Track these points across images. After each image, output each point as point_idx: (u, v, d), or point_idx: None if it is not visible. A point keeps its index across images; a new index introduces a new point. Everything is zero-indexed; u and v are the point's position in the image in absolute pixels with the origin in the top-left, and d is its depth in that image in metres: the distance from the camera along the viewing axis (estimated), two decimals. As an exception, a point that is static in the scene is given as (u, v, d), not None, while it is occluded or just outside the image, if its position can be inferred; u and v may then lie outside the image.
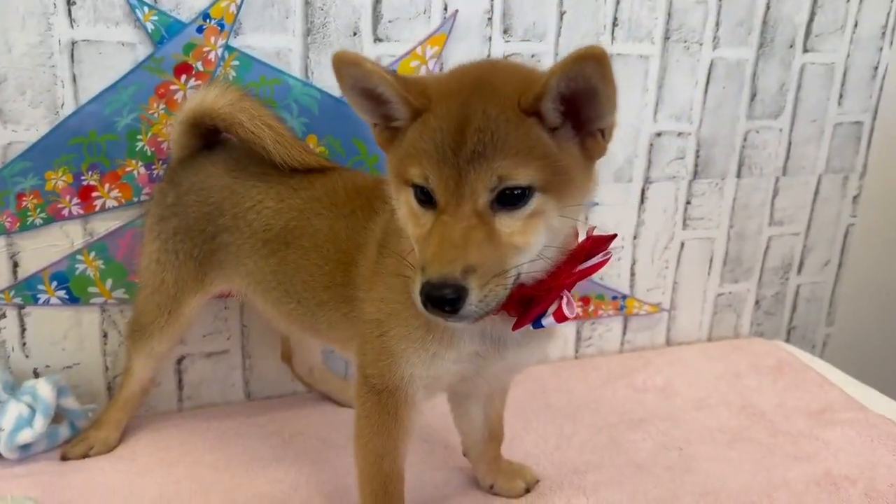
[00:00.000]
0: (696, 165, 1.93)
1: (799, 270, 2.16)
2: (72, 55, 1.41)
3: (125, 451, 1.49)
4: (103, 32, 1.42)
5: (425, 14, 1.60)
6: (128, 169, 1.49)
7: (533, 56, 1.70)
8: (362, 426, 1.18)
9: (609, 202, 1.86)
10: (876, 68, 2.04)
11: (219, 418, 1.61)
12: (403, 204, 1.00)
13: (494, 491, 1.40)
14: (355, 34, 1.56)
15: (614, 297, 1.96)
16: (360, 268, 1.21)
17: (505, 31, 1.67)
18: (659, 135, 1.87)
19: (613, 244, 1.08)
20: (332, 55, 0.99)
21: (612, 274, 1.93)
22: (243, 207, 1.35)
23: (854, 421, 1.65)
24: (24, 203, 1.46)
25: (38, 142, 1.43)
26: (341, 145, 1.59)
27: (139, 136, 1.48)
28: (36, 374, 1.55)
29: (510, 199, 0.93)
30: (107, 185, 1.49)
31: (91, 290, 1.54)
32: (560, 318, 1.02)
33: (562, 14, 1.69)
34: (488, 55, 1.66)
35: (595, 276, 1.92)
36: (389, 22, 1.58)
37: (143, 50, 1.44)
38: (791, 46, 1.92)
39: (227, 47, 1.49)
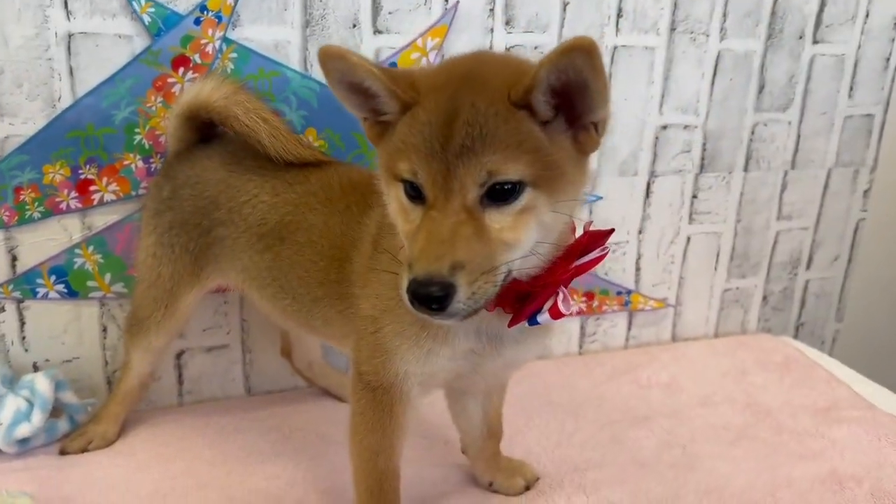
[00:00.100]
0: (702, 159, 1.90)
1: (808, 266, 2.13)
2: (68, 48, 1.41)
3: (124, 445, 1.50)
4: (100, 25, 1.41)
5: (426, 5, 1.57)
6: (125, 162, 1.49)
7: (536, 48, 1.67)
8: (357, 423, 1.17)
9: (614, 196, 1.83)
10: (888, 60, 2.00)
11: (218, 413, 1.61)
12: (393, 199, 0.99)
13: (493, 488, 1.39)
14: (355, 26, 1.55)
15: (619, 293, 1.93)
16: (354, 264, 1.20)
17: (507, 23, 1.64)
18: (665, 128, 1.84)
19: (616, 239, 1.06)
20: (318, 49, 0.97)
21: (616, 269, 1.91)
22: (239, 201, 1.34)
23: (861, 419, 1.62)
24: (22, 197, 1.45)
25: (35, 135, 1.43)
26: (341, 138, 1.57)
27: (137, 130, 1.47)
28: (35, 368, 1.55)
29: (500, 194, 0.91)
30: (105, 179, 1.48)
31: (90, 284, 1.53)
32: (556, 314, 1.00)
33: (565, 4, 1.67)
34: (490, 47, 1.64)
35: (599, 272, 1.94)
36: (389, 13, 1.56)
37: (140, 42, 1.43)
38: (800, 37, 1.89)
39: (225, 39, 1.47)
